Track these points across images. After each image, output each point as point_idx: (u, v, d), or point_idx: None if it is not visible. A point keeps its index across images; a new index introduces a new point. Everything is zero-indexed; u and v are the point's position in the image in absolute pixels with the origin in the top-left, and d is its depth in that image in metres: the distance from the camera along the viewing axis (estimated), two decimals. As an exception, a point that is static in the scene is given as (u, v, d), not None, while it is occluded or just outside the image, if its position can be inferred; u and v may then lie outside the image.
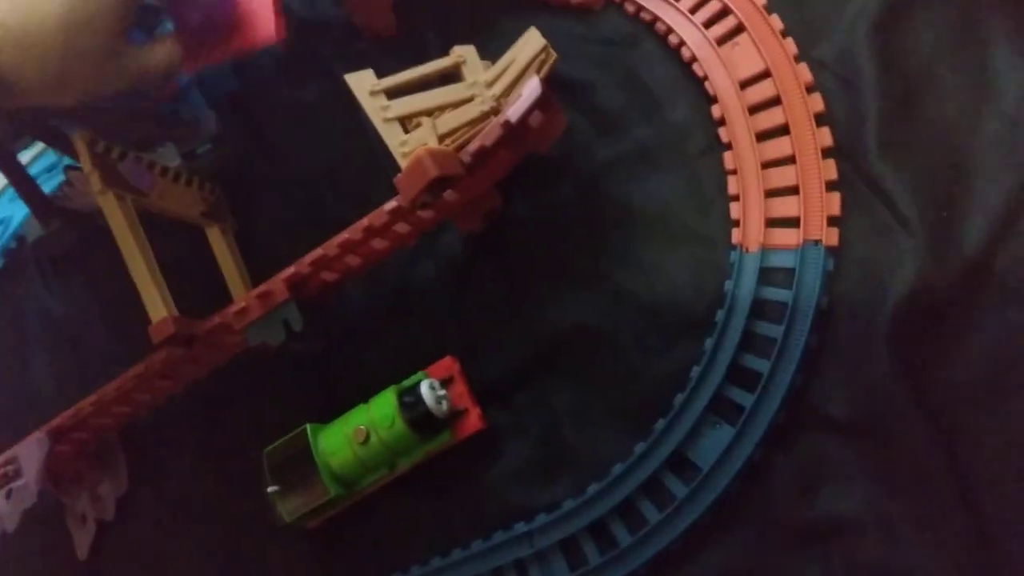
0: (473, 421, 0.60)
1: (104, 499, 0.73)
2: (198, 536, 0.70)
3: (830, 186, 0.56)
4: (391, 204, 0.58)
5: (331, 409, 0.63)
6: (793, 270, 0.55)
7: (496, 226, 0.65)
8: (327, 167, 0.75)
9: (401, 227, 0.62)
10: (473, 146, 0.55)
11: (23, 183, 0.79)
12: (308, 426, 0.60)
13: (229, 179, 0.78)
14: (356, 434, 0.58)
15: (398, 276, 0.68)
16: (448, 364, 0.62)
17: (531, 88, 0.55)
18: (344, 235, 0.60)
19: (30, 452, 0.66)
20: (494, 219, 0.65)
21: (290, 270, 0.61)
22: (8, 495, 0.66)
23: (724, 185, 0.59)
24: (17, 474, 0.66)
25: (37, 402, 0.82)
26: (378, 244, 0.63)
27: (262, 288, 0.61)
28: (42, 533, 0.76)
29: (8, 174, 0.77)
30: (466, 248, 0.66)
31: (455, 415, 0.61)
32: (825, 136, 0.57)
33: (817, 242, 0.55)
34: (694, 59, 0.62)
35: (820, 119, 0.57)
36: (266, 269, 0.66)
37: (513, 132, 0.56)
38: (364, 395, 0.62)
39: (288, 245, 0.73)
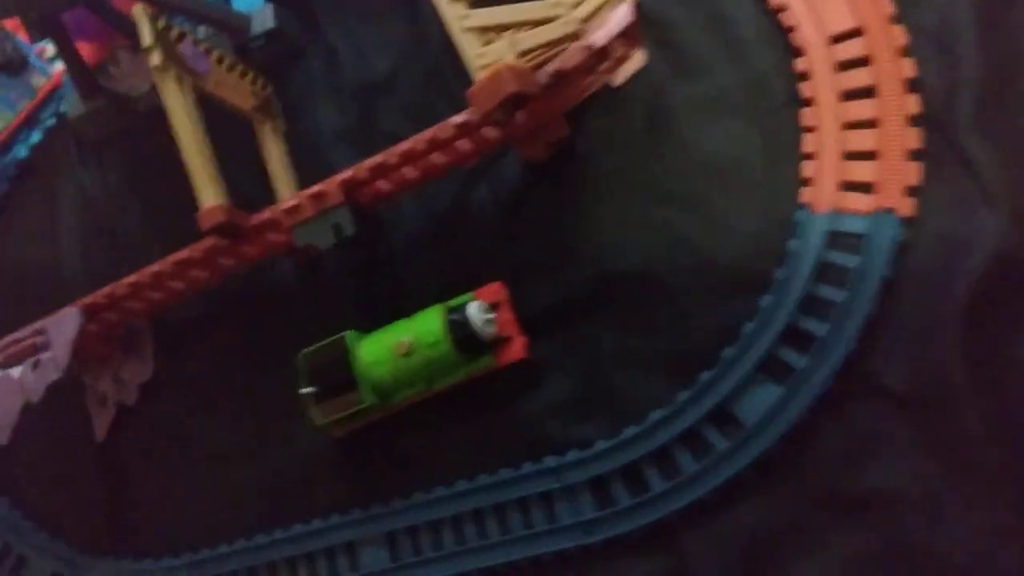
0: (516, 349, 0.60)
1: (127, 383, 0.73)
2: (224, 421, 0.70)
3: (912, 155, 0.54)
4: (459, 118, 0.56)
5: (370, 321, 0.62)
6: (862, 236, 0.54)
7: (558, 156, 0.63)
8: (385, 75, 0.72)
9: (464, 144, 0.61)
10: (552, 67, 0.54)
11: (71, 56, 0.77)
12: (348, 333, 0.60)
13: (282, 78, 0.76)
14: (399, 347, 0.58)
15: (452, 197, 0.67)
16: (496, 289, 0.61)
17: (621, 15, 0.53)
18: (407, 144, 0.58)
19: (61, 326, 0.65)
20: (557, 148, 0.63)
21: (347, 173, 0.60)
22: (35, 366, 0.66)
23: (799, 141, 0.58)
24: (45, 346, 0.66)
25: (64, 283, 0.81)
26: (438, 159, 0.62)
27: (316, 188, 0.60)
28: (60, 411, 0.75)
29: (58, 45, 0.75)
30: (525, 175, 0.65)
31: (499, 341, 0.60)
32: (913, 103, 0.55)
33: (891, 211, 0.54)
34: (783, 7, 0.60)
35: (910, 85, 0.55)
36: (312, 174, 0.65)
37: (595, 58, 0.54)
38: (405, 312, 0.61)
39: (337, 152, 0.72)
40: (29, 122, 0.89)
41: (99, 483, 0.74)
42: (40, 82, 0.90)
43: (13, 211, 0.88)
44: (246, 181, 0.70)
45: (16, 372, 0.66)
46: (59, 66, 0.87)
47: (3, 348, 0.67)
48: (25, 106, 0.89)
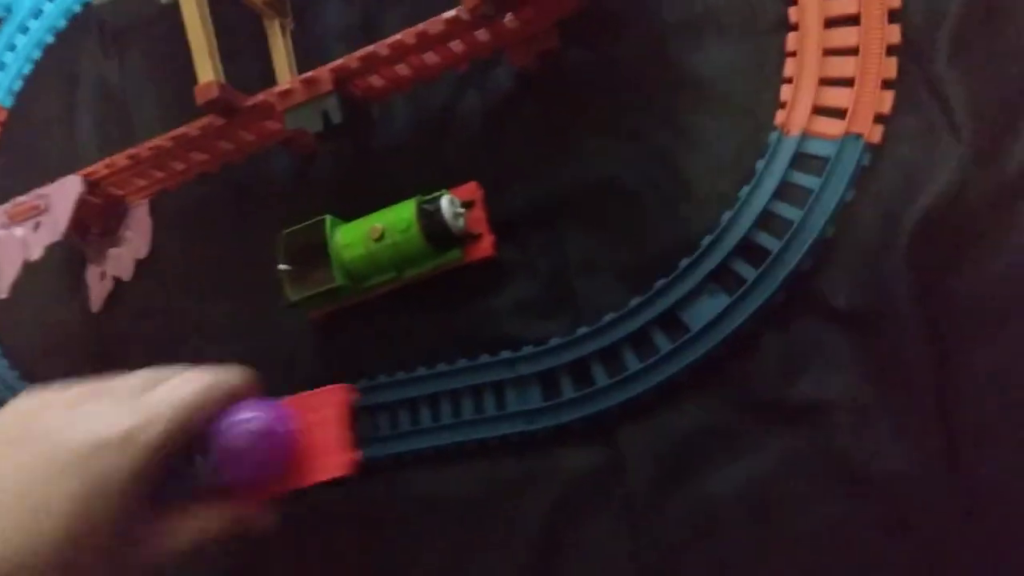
0: (485, 246, 0.62)
1: (125, 259, 0.76)
2: (213, 302, 0.74)
3: (887, 84, 0.55)
4: (449, 13, 0.58)
5: (353, 213, 0.65)
6: (827, 159, 0.55)
7: (548, 69, 0.65)
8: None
9: (456, 45, 0.62)
10: (543, -35, 0.55)
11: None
12: (327, 217, 0.62)
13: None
14: (371, 231, 0.60)
15: (442, 101, 0.69)
16: (472, 188, 0.63)
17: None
18: (397, 37, 0.60)
19: (63, 191, 0.69)
20: (548, 61, 0.65)
21: (339, 62, 0.62)
22: (36, 227, 0.69)
23: (783, 66, 0.59)
24: (47, 209, 0.69)
25: (79, 165, 0.84)
26: (430, 59, 0.64)
27: (308, 75, 0.62)
28: (61, 280, 0.80)
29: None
30: (514, 85, 0.66)
31: (469, 237, 0.62)
32: (894, 33, 0.55)
33: (859, 136, 0.55)
34: (781, -68, 0.61)
35: (894, 15, 0.56)
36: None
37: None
38: (389, 204, 0.63)
39: (340, 52, 0.73)
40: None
41: (92, 352, 0.78)
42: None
43: (34, 95, 0.91)
44: (254, 79, 0.72)
45: (19, 231, 0.70)
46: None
47: (8, 210, 0.71)
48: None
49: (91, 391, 0.46)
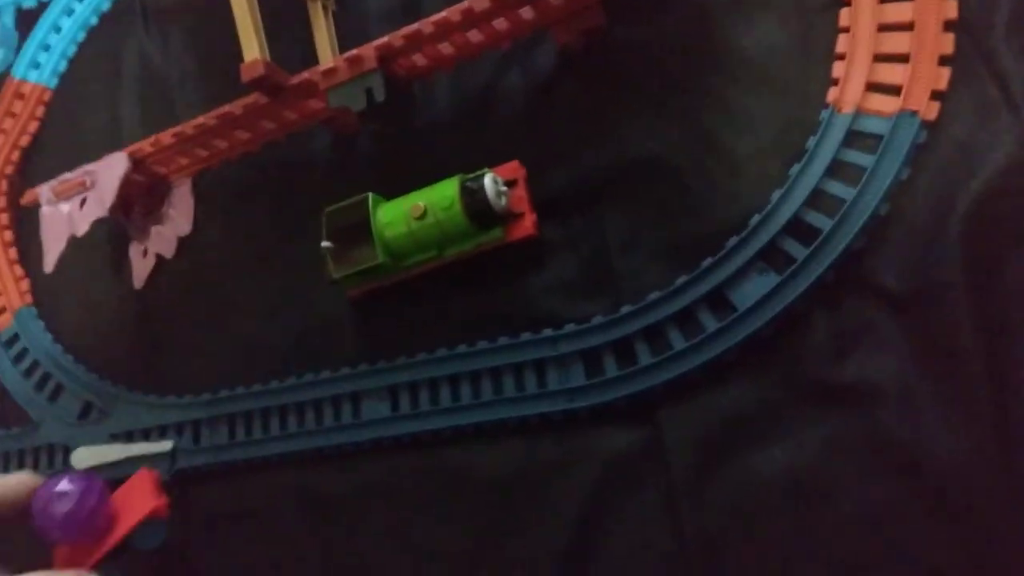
0: (526, 225, 0.61)
1: (167, 236, 0.77)
2: (253, 279, 0.74)
3: (943, 60, 0.54)
4: (494, -12, 0.58)
5: (395, 193, 0.65)
6: (882, 137, 0.54)
7: (593, 47, 0.64)
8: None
9: (500, 23, 0.62)
10: (591, -62, 0.55)
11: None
12: (370, 195, 0.62)
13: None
14: (413, 209, 0.60)
15: (485, 80, 0.68)
16: (514, 167, 0.63)
17: None
18: (442, 14, 0.60)
19: (109, 168, 0.70)
20: (592, 39, 0.64)
21: (383, 40, 0.62)
22: (82, 203, 0.70)
23: (835, 42, 0.57)
24: (94, 186, 0.70)
25: (122, 143, 0.85)
26: (474, 37, 0.63)
27: (352, 53, 0.62)
28: (105, 257, 0.81)
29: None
30: (558, 63, 0.66)
31: (511, 216, 0.62)
32: (950, 8, 0.54)
33: (914, 113, 0.53)
34: (835, -93, 0.59)
35: (951, -11, 0.54)
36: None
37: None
38: (430, 182, 0.63)
39: (381, 33, 0.74)
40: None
41: (134, 327, 0.78)
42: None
43: (79, 76, 0.92)
44: (294, 61, 0.72)
45: (65, 207, 0.71)
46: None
47: (54, 186, 0.72)
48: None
49: None
